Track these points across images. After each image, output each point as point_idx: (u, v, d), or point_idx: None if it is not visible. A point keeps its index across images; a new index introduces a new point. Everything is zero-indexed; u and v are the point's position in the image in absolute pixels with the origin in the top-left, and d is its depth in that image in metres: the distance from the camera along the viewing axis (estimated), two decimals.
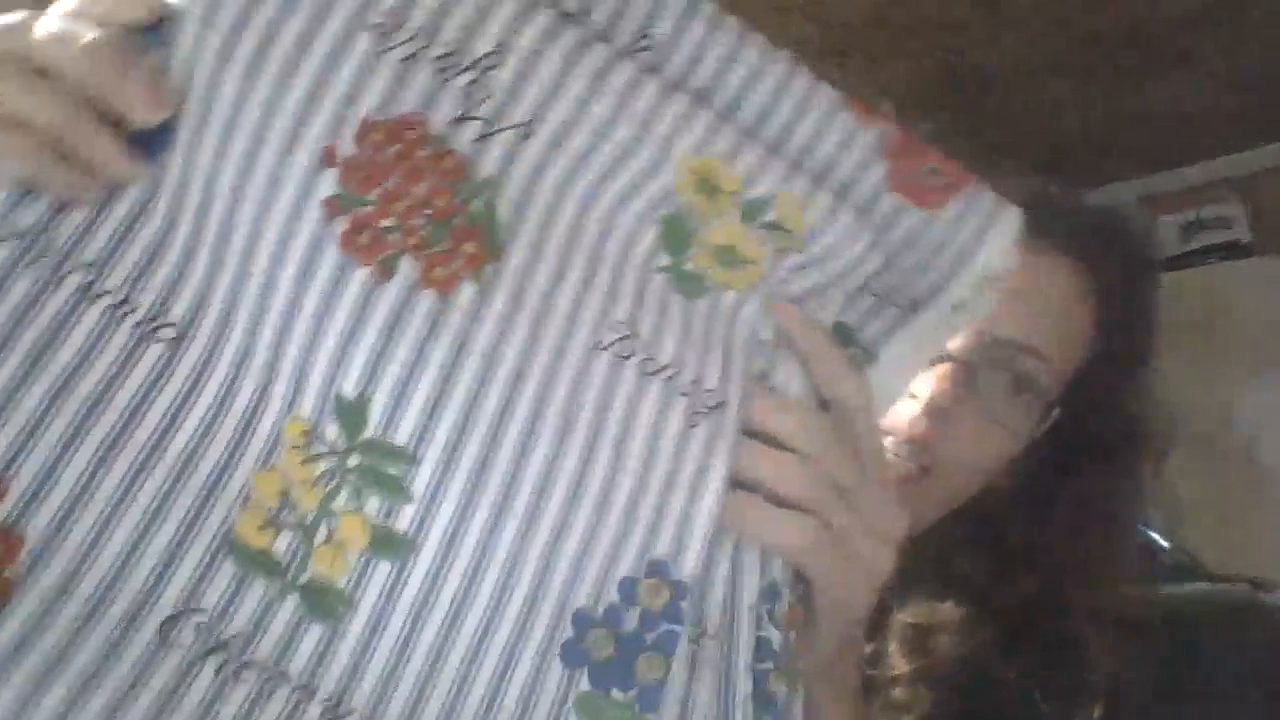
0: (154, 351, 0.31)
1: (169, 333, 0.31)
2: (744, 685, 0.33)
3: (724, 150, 0.34)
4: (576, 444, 0.32)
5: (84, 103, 0.29)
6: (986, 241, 0.37)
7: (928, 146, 0.37)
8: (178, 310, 0.31)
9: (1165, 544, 2.14)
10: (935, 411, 0.55)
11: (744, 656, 0.33)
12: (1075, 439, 0.60)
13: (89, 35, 0.28)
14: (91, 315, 0.30)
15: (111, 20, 0.29)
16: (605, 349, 0.33)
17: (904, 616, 0.61)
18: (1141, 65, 1.99)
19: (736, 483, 0.34)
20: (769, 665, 0.33)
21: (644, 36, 0.34)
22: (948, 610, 0.60)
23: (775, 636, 0.34)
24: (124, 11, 0.30)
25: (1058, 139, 2.35)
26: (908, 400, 0.56)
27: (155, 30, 0.30)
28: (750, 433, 0.35)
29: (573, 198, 0.34)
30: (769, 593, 0.34)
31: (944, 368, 0.56)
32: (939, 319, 0.38)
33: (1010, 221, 0.37)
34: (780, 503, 0.34)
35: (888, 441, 0.53)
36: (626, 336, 0.34)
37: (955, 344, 0.55)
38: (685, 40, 0.34)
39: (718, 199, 0.34)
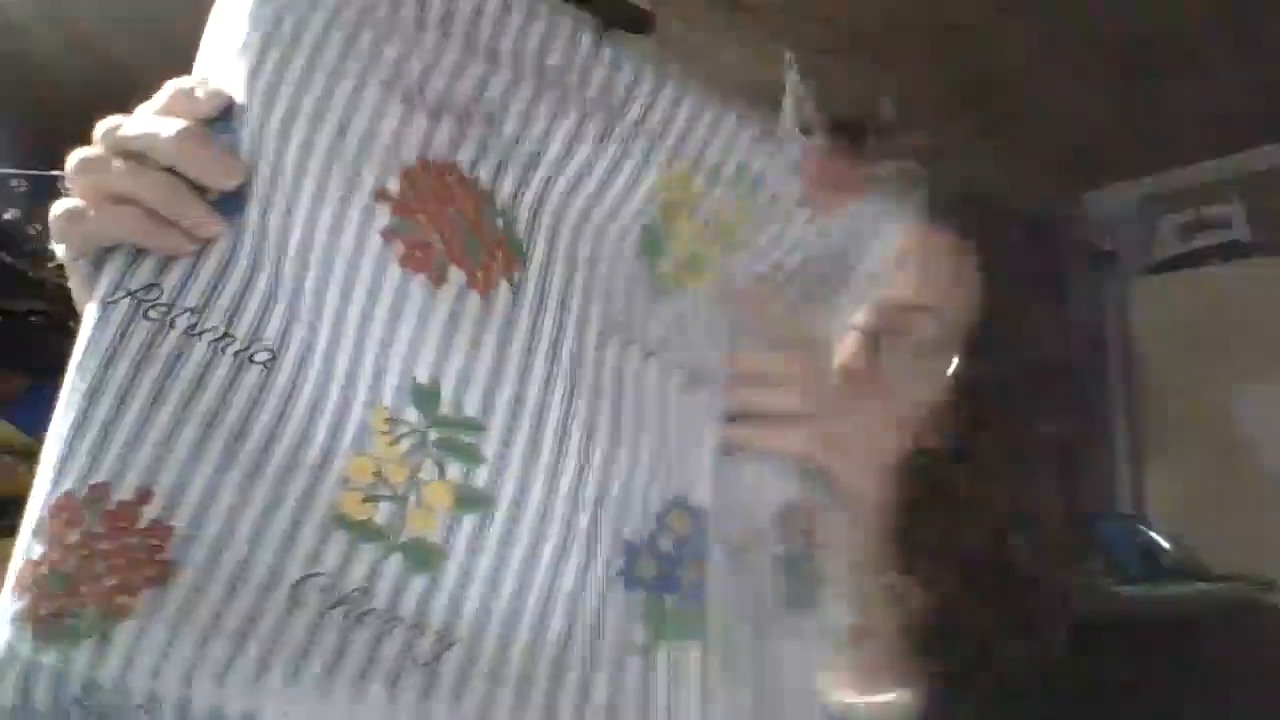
0: (253, 372, 0.37)
1: (264, 355, 0.38)
2: (772, 587, 0.42)
3: (682, 174, 0.44)
4: (606, 409, 0.41)
5: (176, 178, 0.36)
6: (883, 231, 0.48)
7: (833, 159, 0.47)
8: (268, 336, 0.38)
9: (1165, 544, 2.15)
10: (848, 376, 0.62)
11: (767, 564, 0.42)
12: (986, 388, 0.65)
13: (177, 126, 0.36)
14: (199, 349, 0.37)
15: (190, 115, 0.37)
16: (614, 336, 0.42)
17: (872, 583, 0.64)
18: (1147, 66, 1.99)
19: (749, 416, 0.45)
20: (794, 568, 0.43)
21: (606, 90, 0.43)
22: (910, 571, 0.64)
23: (795, 545, 0.43)
24: (200, 107, 0.37)
25: (1061, 139, 2.35)
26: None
27: (223, 119, 0.38)
28: (749, 377, 0.45)
29: (570, 216, 0.43)
30: (785, 510, 0.44)
31: (848, 340, 0.63)
32: (857, 290, 0.49)
33: (901, 213, 0.49)
34: (784, 422, 0.45)
35: None
36: (627, 326, 0.43)
37: (855, 319, 0.63)
38: (640, 90, 0.44)
39: (680, 212, 0.44)
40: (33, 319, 0.62)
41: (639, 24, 1.72)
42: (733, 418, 0.44)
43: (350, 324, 0.38)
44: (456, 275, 0.38)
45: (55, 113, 2.00)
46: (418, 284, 0.38)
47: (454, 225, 0.39)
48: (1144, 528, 2.09)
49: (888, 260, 0.48)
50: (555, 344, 0.40)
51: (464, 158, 0.40)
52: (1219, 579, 1.93)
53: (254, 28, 0.38)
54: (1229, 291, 2.37)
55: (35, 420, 0.59)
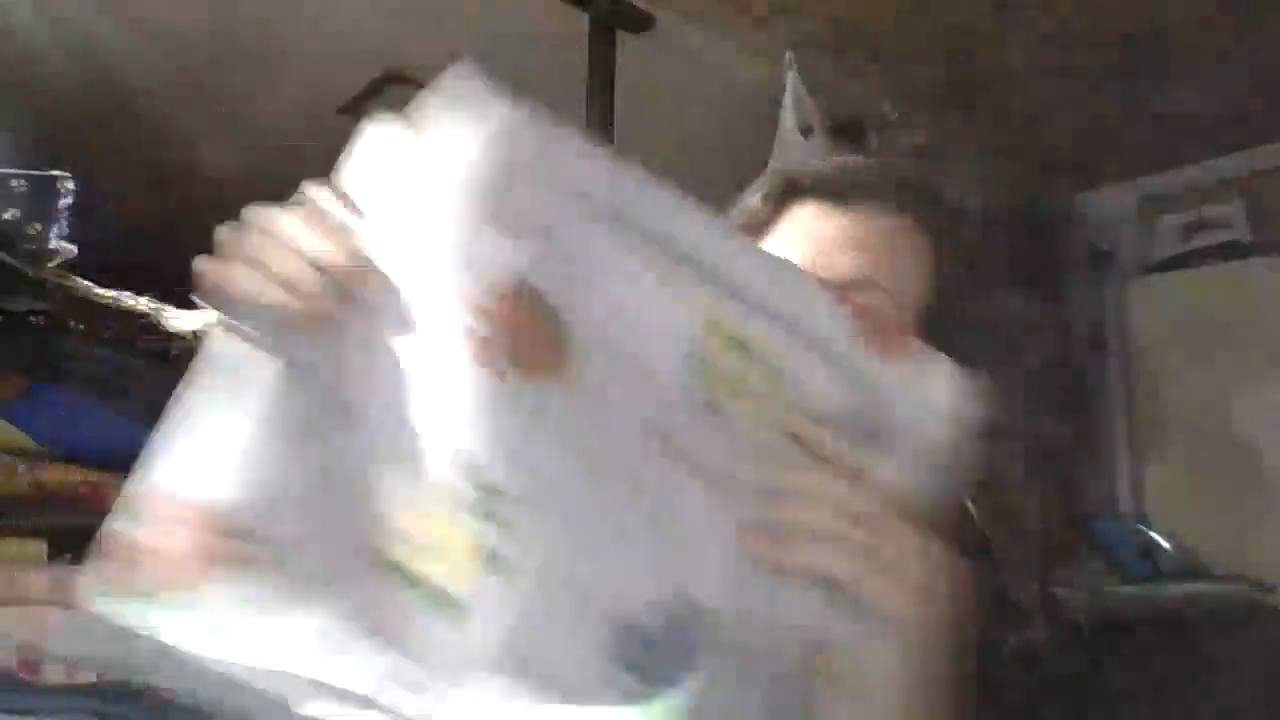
0: (344, 424, 0.45)
1: (356, 412, 0.46)
2: (763, 704, 0.45)
3: (738, 314, 0.49)
4: (631, 502, 0.46)
5: (312, 266, 0.46)
6: (931, 391, 0.50)
7: (881, 314, 0.54)
8: (362, 397, 0.46)
9: (1165, 544, 2.15)
10: None
11: (766, 680, 0.45)
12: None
13: (320, 229, 0.47)
14: (305, 395, 0.45)
15: (331, 221, 0.47)
16: (651, 441, 0.48)
17: None
18: (1145, 66, 1.99)
19: (783, 532, 0.47)
20: (793, 692, 0.45)
21: (671, 232, 0.50)
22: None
23: (803, 673, 0.45)
24: (339, 215, 0.47)
25: (1061, 139, 2.35)
26: None
27: (356, 216, 0.47)
28: (784, 492, 0.47)
29: (625, 333, 0.49)
30: (810, 644, 0.45)
31: None
32: (904, 441, 0.50)
33: (946, 365, 0.51)
34: (816, 538, 0.46)
35: None
36: (660, 430, 0.48)
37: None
38: (701, 234, 0.50)
39: (728, 343, 0.49)
40: (33, 319, 0.62)
41: (639, 24, 1.72)
42: (762, 531, 0.47)
43: (425, 401, 0.46)
44: (519, 374, 0.46)
45: (55, 113, 2.00)
46: (486, 376, 0.46)
47: (524, 332, 0.47)
48: (1144, 528, 2.09)
49: (937, 416, 0.50)
50: (595, 440, 0.47)
51: (541, 276, 0.48)
52: (1219, 579, 1.93)
53: (402, 156, 0.48)
54: (1229, 291, 2.37)
55: (35, 420, 0.59)
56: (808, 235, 0.68)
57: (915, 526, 0.48)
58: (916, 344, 0.51)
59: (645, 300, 0.49)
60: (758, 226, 0.71)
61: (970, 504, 0.65)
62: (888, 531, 0.46)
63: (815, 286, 0.52)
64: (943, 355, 0.51)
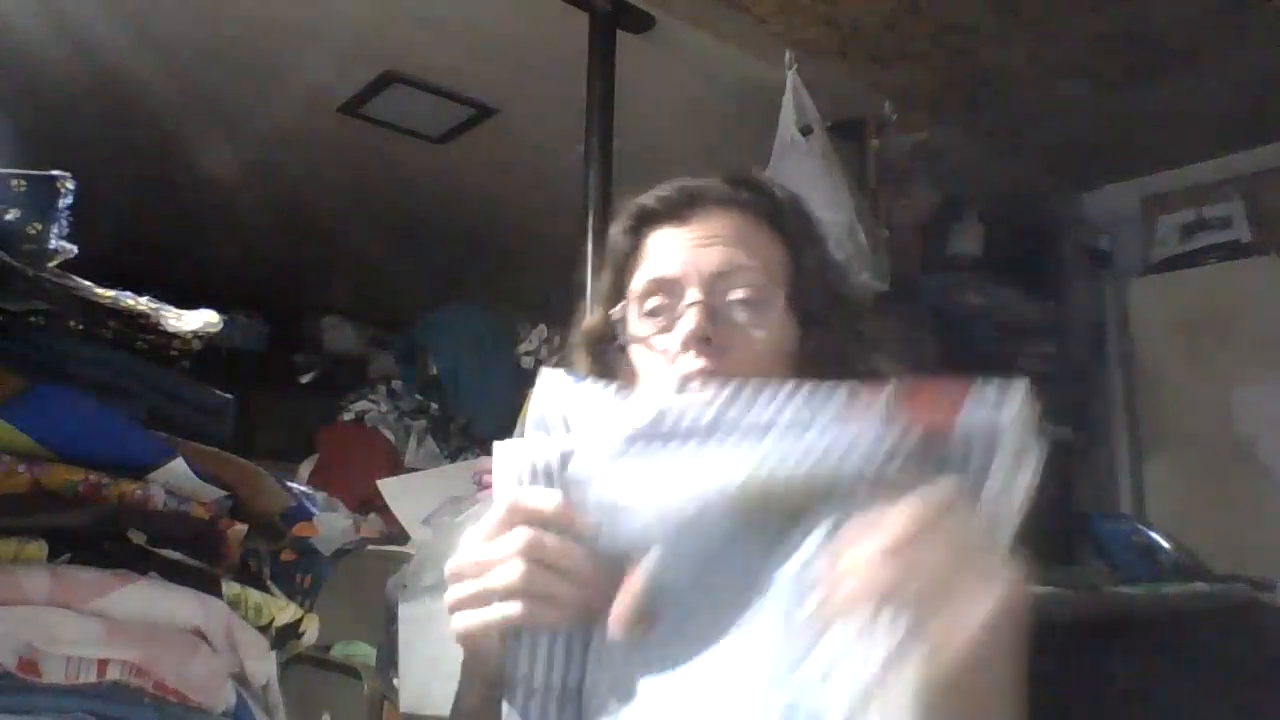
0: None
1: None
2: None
3: (768, 471, 0.54)
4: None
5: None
6: (1005, 413, 0.51)
7: (923, 383, 0.54)
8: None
9: (1165, 544, 2.14)
10: (697, 342, 0.71)
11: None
12: (813, 320, 0.76)
13: (573, 566, 0.58)
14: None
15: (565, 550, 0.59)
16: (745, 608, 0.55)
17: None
18: (1146, 66, 1.99)
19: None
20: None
21: (718, 427, 0.57)
22: None
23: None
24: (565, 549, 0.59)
25: (1061, 139, 2.35)
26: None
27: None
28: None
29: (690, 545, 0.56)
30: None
31: (690, 311, 0.73)
32: (1000, 484, 0.51)
33: (1017, 392, 0.52)
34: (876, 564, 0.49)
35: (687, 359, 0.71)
36: (747, 588, 0.55)
37: (692, 293, 0.73)
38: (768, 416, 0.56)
39: (771, 490, 0.54)
40: (32, 319, 0.62)
41: (639, 24, 1.72)
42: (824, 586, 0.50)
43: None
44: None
45: (55, 113, 2.00)
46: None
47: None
48: (1144, 528, 2.09)
49: (1014, 450, 0.51)
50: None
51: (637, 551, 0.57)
52: (1218, 579, 1.94)
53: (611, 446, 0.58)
54: (1229, 291, 2.37)
55: (35, 420, 0.59)
56: (669, 251, 0.76)
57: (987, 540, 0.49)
58: (969, 387, 0.53)
59: (691, 490, 0.55)
60: (623, 258, 0.79)
61: None
62: (946, 554, 0.47)
63: (871, 413, 0.54)
64: (989, 399, 0.52)
